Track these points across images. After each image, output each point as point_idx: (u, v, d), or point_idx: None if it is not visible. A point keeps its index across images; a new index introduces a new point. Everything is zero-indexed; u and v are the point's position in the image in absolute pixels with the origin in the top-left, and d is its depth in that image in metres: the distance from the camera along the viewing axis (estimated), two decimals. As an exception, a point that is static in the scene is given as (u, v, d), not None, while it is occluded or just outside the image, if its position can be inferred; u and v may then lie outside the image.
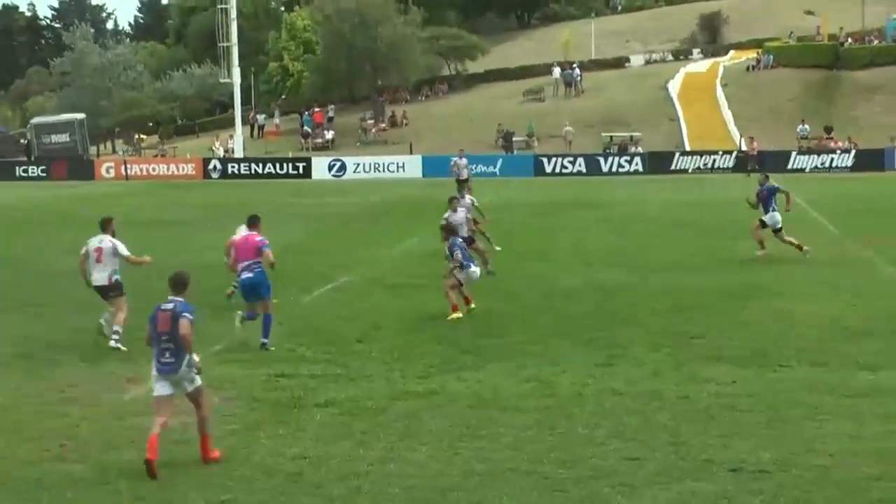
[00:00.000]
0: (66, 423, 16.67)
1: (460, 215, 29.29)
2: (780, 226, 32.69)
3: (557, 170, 77.52)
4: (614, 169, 77.17)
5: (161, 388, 14.82)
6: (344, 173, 78.41)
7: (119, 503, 13.29)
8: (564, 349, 21.15)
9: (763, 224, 32.69)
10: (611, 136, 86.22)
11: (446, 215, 28.78)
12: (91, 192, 66.84)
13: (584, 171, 77.03)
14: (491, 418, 16.54)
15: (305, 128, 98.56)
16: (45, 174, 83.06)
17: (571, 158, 78.84)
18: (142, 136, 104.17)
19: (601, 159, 79.24)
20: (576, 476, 13.96)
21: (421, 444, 15.39)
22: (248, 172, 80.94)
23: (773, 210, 32.60)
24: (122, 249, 22.08)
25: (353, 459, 14.76)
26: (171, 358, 14.76)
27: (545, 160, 78.94)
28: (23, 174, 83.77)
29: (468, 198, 32.28)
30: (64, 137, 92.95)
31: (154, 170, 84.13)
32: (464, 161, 57.23)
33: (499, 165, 78.11)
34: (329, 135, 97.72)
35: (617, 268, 31.41)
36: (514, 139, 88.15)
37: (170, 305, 14.84)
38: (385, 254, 35.41)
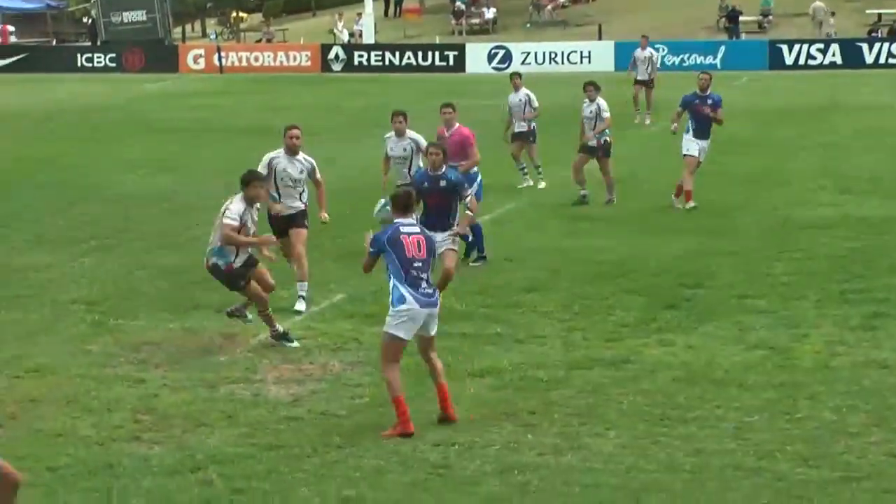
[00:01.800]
0: (143, 392, 17.03)
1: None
2: None
3: (801, 61, 76.43)
4: (882, 59, 75.82)
5: (407, 331, 15.56)
6: (508, 65, 77.98)
7: (209, 496, 13.53)
8: (807, 306, 21.03)
9: None
10: (878, 15, 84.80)
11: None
12: (174, 90, 67.61)
13: (838, 62, 75.96)
14: (704, 396, 16.54)
15: (458, 3, 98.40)
16: (114, 64, 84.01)
17: (821, 45, 77.66)
18: (241, 14, 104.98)
19: (863, 46, 77.93)
20: (821, 478, 13.87)
21: (608, 429, 15.45)
22: (380, 63, 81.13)
23: None
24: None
25: (518, 447, 14.86)
26: (429, 289, 15.70)
27: (784, 48, 77.81)
28: (86, 63, 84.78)
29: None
30: (140, 16, 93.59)
31: (257, 60, 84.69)
32: (647, 52, 52.23)
33: (720, 55, 77.16)
34: (490, 13, 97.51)
35: (883, 197, 31.00)
36: (741, 19, 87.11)
37: (415, 228, 15.96)
38: (563, 175, 35.25)
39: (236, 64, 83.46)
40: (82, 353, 18.47)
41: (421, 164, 23.76)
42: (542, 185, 33.60)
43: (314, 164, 21.28)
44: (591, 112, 31.14)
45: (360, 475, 14.04)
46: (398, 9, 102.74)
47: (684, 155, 29.71)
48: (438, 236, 18.69)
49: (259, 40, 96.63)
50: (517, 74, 33.53)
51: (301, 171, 21.03)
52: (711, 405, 16.18)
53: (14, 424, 14.50)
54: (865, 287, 22.07)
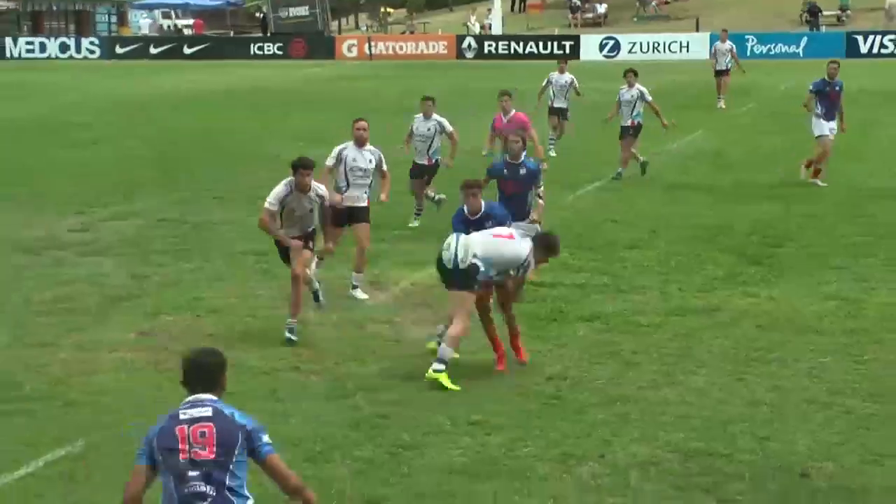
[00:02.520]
0: (301, 329, 17.13)
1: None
2: None
3: (875, 50, 75.58)
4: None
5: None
6: (617, 53, 78.03)
7: (358, 419, 13.62)
8: (876, 263, 20.84)
9: None
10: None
11: None
12: (331, 73, 67.96)
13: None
14: (783, 341, 16.43)
15: (574, 0, 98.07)
16: (281, 52, 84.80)
17: (893, 36, 76.53)
18: (388, 9, 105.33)
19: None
20: (887, 413, 13.75)
21: (700, 367, 15.40)
22: (506, 52, 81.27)
23: None
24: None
25: (621, 382, 14.84)
26: None
27: (860, 38, 76.98)
28: (258, 52, 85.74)
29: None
30: (303, 11, 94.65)
31: (401, 48, 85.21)
32: (727, 45, 49.01)
33: (802, 45, 76.62)
34: (601, 8, 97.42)
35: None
36: (821, 14, 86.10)
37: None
38: (663, 149, 35.16)
39: (383, 52, 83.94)
40: (252, 297, 18.64)
41: (439, 144, 24.04)
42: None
43: (381, 155, 19.74)
44: (630, 97, 30.28)
45: (485, 403, 14.11)
46: (523, 5, 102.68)
47: (818, 136, 28.86)
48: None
49: (403, 32, 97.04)
50: (632, 71, 31.40)
51: (370, 162, 19.21)
52: (790, 348, 16.09)
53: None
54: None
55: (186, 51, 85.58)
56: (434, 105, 24.30)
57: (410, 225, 24.01)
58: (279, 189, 16.73)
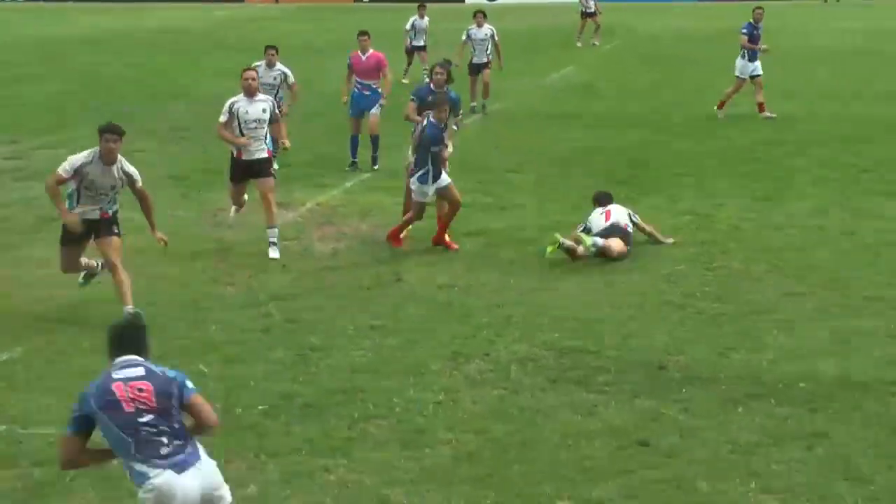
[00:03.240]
0: (218, 246, 17.21)
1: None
2: None
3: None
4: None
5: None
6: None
7: (270, 324, 13.73)
8: (723, 181, 21.18)
9: None
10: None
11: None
12: (239, 15, 67.14)
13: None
14: (644, 250, 16.70)
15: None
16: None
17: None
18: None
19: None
20: (731, 311, 14.10)
21: (572, 275, 15.65)
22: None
23: None
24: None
25: (503, 289, 15.06)
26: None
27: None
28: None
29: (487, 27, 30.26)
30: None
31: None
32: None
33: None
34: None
35: (788, 99, 30.98)
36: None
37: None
38: (536, 83, 35.32)
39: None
40: (173, 217, 18.52)
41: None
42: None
43: (273, 102, 18.00)
44: (483, 35, 29.87)
45: (384, 309, 14.28)
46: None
47: (739, 76, 28.58)
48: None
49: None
50: (481, 12, 30.52)
51: (263, 111, 17.07)
52: (648, 257, 16.39)
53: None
54: (768, 168, 22.29)
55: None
56: (277, 54, 22.83)
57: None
58: (80, 155, 13.84)
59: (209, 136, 26.35)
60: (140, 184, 13.93)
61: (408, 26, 35.32)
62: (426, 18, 35.49)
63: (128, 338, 7.91)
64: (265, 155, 17.17)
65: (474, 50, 29.82)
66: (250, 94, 17.09)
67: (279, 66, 22.44)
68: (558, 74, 37.70)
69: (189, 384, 7.74)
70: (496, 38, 30.05)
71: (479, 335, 13.26)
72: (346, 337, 13.29)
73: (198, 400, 7.75)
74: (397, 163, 20.49)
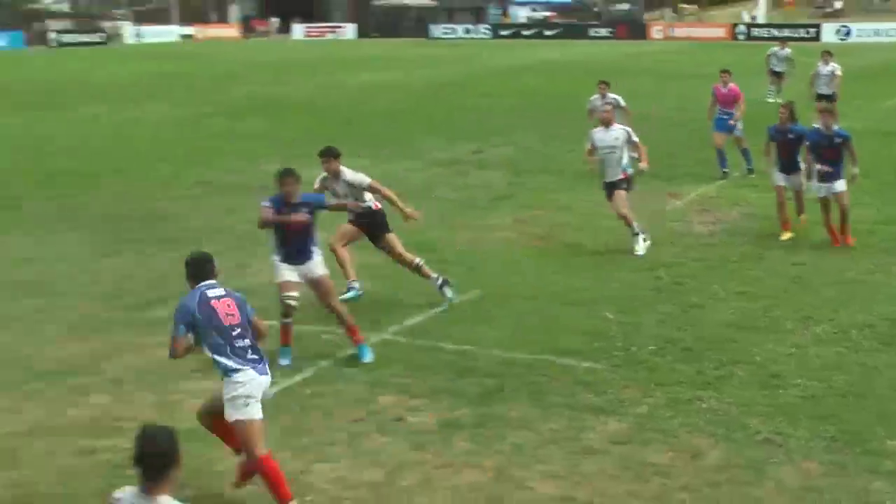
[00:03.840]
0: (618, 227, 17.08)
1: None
2: None
3: None
4: None
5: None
6: (848, 37, 73.81)
7: (660, 285, 13.52)
8: None
9: None
10: None
11: None
12: (642, 50, 66.74)
13: None
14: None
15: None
16: (610, 35, 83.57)
17: None
18: (684, 5, 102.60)
19: None
20: None
21: (903, 261, 14.70)
22: (767, 35, 77.95)
23: None
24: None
25: (846, 269, 14.25)
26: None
27: None
28: (593, 35, 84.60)
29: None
30: (625, 6, 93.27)
31: (692, 32, 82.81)
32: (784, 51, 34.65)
33: None
34: (839, 4, 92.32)
35: None
36: None
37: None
38: (873, 106, 33.39)
39: (680, 34, 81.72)
40: (583, 201, 18.49)
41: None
42: None
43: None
44: (827, 72, 27.44)
45: (748, 279, 13.81)
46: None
47: None
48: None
49: (694, 20, 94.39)
50: (827, 52, 28.10)
51: (616, 139, 15.31)
52: None
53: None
54: None
55: (546, 33, 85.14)
56: (608, 87, 21.63)
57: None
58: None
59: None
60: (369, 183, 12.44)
61: (771, 56, 34.24)
62: (787, 49, 34.01)
63: (208, 267, 7.91)
64: (621, 177, 15.46)
65: (819, 83, 28.29)
66: (605, 124, 15.58)
67: (610, 95, 21.48)
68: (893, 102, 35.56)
69: (250, 306, 7.91)
70: (838, 73, 28.23)
71: (826, 305, 12.60)
72: (718, 298, 12.93)
73: (256, 317, 7.93)
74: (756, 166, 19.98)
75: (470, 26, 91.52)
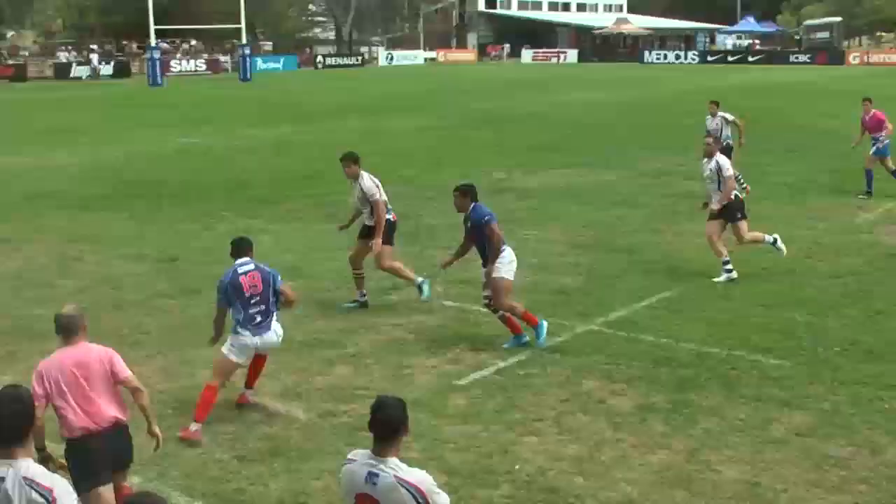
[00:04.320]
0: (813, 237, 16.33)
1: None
2: None
3: None
4: None
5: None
6: None
7: (847, 290, 12.80)
8: None
9: None
10: None
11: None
12: (840, 74, 63.68)
13: None
14: None
15: None
16: (809, 61, 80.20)
17: None
18: (881, 33, 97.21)
19: None
20: None
21: None
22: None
23: None
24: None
25: None
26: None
27: None
28: (794, 60, 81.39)
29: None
30: (825, 34, 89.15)
31: (888, 58, 78.43)
32: None
33: None
34: None
35: None
36: None
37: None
38: None
39: (877, 60, 77.55)
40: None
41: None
42: None
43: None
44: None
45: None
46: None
47: None
48: None
49: (891, 47, 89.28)
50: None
51: (710, 170, 13.49)
52: None
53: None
54: None
55: (749, 59, 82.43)
56: (717, 106, 20.01)
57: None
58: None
59: (814, 156, 25.32)
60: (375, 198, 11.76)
61: None
62: None
63: (243, 247, 8.66)
64: (716, 206, 13.53)
65: None
66: (708, 155, 13.61)
67: (720, 113, 20.14)
68: None
69: (279, 278, 8.62)
70: None
71: None
72: (901, 306, 12.15)
73: (284, 286, 8.70)
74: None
75: (679, 52, 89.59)
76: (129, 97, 50.49)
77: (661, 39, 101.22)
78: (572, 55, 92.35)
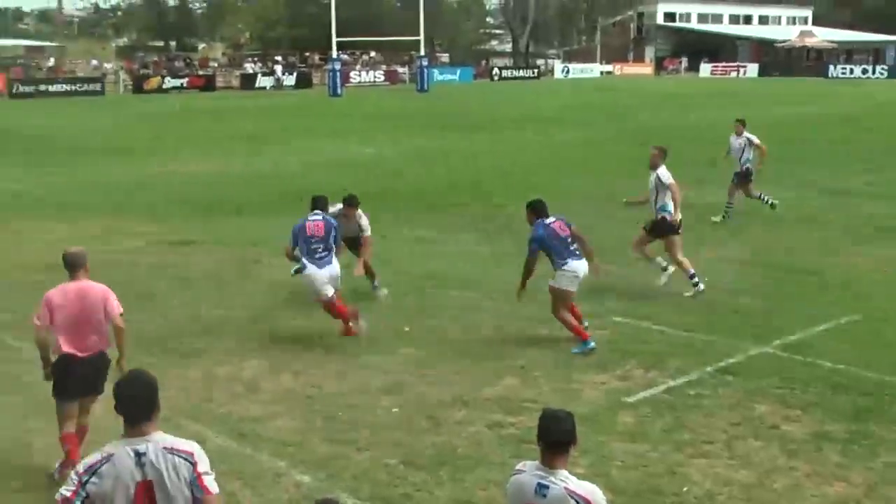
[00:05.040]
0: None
1: None
2: None
3: None
4: None
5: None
6: None
7: None
8: None
9: None
10: None
11: None
12: None
13: None
14: None
15: None
16: None
17: None
18: None
19: None
20: None
21: None
22: None
23: None
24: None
25: None
26: None
27: None
28: None
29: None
30: None
31: None
32: None
33: None
34: None
35: None
36: None
37: None
38: None
39: None
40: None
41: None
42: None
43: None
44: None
45: None
46: None
47: None
48: None
49: None
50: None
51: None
52: None
53: None
54: None
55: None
56: (743, 126, 18.68)
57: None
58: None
59: None
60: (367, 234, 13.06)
61: None
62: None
63: (319, 204, 11.53)
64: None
65: None
66: (651, 167, 13.52)
67: (746, 134, 18.73)
68: None
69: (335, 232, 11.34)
70: None
71: None
72: None
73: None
74: None
75: (867, 66, 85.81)
76: (308, 107, 52.18)
77: (847, 53, 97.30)
78: (752, 69, 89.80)
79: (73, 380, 7.61)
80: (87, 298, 7.52)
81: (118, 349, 7.60)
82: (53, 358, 7.62)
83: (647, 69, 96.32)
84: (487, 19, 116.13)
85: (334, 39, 62.45)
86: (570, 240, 10.83)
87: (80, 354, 7.55)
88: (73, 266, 7.62)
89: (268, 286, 14.08)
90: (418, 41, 66.90)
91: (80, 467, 4.62)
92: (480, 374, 10.24)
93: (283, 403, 9.49)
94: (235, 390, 9.88)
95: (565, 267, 10.72)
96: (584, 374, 10.19)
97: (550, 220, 10.86)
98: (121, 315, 7.57)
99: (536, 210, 10.95)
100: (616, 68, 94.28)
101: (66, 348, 7.54)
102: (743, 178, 18.82)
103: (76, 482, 4.56)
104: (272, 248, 15.23)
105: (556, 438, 4.80)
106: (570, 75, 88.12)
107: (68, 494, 4.54)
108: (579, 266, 10.80)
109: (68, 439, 7.63)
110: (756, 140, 18.93)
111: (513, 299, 11.51)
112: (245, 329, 11.98)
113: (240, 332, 11.83)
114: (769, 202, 18.94)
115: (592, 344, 10.82)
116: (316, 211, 11.43)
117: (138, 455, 4.56)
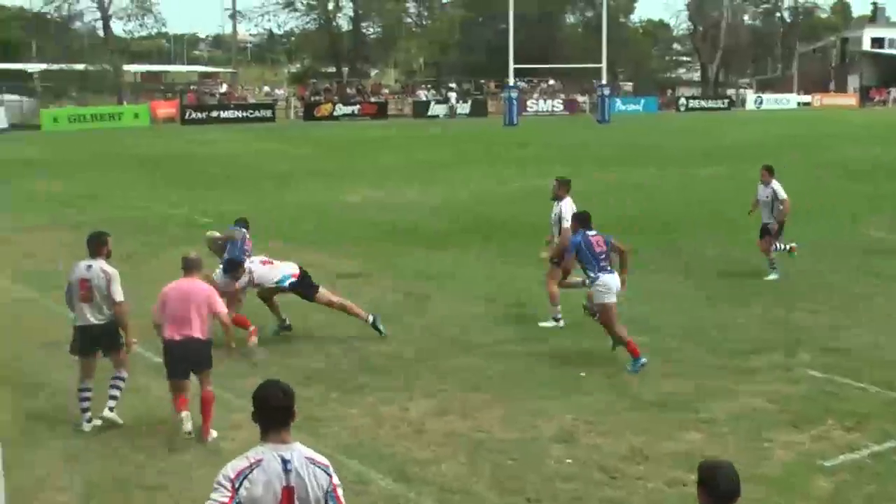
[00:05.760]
0: None
1: None
2: None
3: None
4: None
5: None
6: None
7: None
8: None
9: None
10: None
11: None
12: None
13: None
14: None
15: None
16: None
17: None
18: None
19: None
20: None
21: None
22: None
23: None
24: None
25: None
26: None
27: None
28: None
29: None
30: None
31: None
32: None
33: None
34: None
35: None
36: None
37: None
38: None
39: None
40: None
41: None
42: None
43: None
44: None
45: None
46: None
47: None
48: None
49: None
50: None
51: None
52: None
53: None
54: None
55: None
56: (769, 174, 17.10)
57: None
58: None
59: None
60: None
61: None
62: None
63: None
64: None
65: None
66: (555, 198, 14.53)
67: (773, 184, 17.07)
68: None
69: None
70: None
71: None
72: None
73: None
74: None
75: None
76: (482, 136, 52.73)
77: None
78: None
79: (173, 360, 9.66)
80: (191, 294, 9.59)
81: (226, 338, 9.87)
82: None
83: (850, 100, 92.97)
84: (674, 45, 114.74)
85: (511, 66, 63.02)
86: (603, 256, 12.06)
87: (177, 338, 9.56)
88: (187, 268, 9.89)
89: (439, 319, 14.25)
90: (600, 68, 66.66)
91: (230, 472, 4.88)
92: (660, 426, 10.02)
93: (449, 446, 9.53)
94: (401, 430, 9.99)
95: (597, 282, 11.94)
96: (775, 432, 9.82)
97: (592, 233, 12.19)
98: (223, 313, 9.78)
99: (581, 221, 12.51)
100: (815, 99, 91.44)
101: (168, 334, 9.64)
102: (768, 234, 17.34)
103: (229, 488, 4.84)
104: (441, 282, 15.32)
105: (725, 498, 4.77)
106: (764, 106, 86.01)
107: (225, 500, 4.81)
108: (610, 280, 11.97)
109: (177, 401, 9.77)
110: (782, 195, 17.10)
111: (692, 346, 11.15)
112: (412, 367, 12.13)
113: (406, 370, 11.99)
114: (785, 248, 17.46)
115: (644, 360, 11.73)
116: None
117: (284, 462, 4.89)
